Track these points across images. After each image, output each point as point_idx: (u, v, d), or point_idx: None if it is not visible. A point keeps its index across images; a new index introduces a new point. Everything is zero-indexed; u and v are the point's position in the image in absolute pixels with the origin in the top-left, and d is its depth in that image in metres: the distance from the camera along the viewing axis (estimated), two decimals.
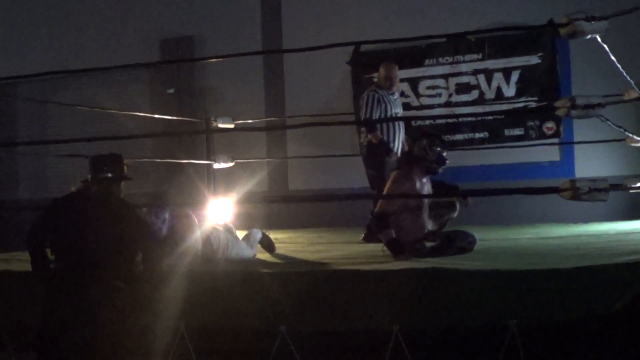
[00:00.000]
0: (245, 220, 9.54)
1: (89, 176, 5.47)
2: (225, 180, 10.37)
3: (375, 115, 8.31)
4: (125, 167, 5.65)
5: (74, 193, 5.59)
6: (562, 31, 4.60)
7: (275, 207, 11.66)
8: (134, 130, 11.26)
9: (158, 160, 11.31)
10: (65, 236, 5.25)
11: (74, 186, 5.74)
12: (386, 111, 8.40)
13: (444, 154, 6.44)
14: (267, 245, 7.45)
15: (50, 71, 7.17)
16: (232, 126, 9.72)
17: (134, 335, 5.22)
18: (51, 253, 5.30)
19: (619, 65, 6.14)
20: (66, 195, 5.62)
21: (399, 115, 8.61)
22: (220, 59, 11.69)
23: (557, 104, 4.55)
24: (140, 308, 5.32)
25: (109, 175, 5.45)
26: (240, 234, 7.39)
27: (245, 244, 6.97)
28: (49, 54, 12.96)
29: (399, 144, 8.46)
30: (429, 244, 6.30)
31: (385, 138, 8.37)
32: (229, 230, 7.04)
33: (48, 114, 13.40)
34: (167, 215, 6.27)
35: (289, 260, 6.56)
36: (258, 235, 7.35)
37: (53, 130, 13.13)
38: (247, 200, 10.44)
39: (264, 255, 7.07)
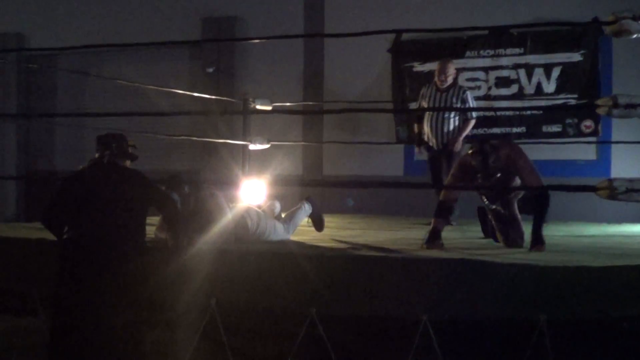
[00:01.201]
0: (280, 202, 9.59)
1: (97, 154, 5.63)
2: (260, 162, 10.41)
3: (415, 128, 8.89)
4: (129, 148, 5.81)
5: (83, 170, 5.70)
6: (608, 29, 4.58)
7: (309, 190, 11.69)
8: (172, 108, 11.33)
9: (194, 138, 11.38)
10: (78, 211, 5.42)
11: (82, 165, 5.85)
12: (419, 105, 8.85)
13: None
14: (318, 221, 7.41)
15: (91, 44, 7.28)
16: (269, 108, 9.74)
17: (143, 305, 5.34)
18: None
19: None
20: (75, 172, 5.73)
21: (433, 115, 8.81)
22: (261, 40, 11.73)
23: (599, 102, 4.53)
24: (169, 279, 5.39)
25: (117, 152, 5.61)
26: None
27: (282, 226, 6.97)
28: (91, 28, 13.05)
29: (432, 136, 8.79)
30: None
31: (417, 130, 8.89)
32: (263, 212, 7.02)
33: (87, 87, 13.52)
34: (186, 191, 6.29)
35: (321, 243, 6.57)
36: (302, 215, 7.27)
37: (91, 103, 13.25)
38: (281, 182, 10.47)
39: (298, 237, 7.09)
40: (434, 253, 5.78)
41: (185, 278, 5.42)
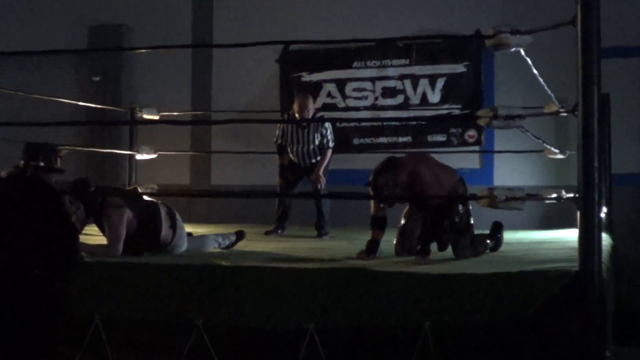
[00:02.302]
0: None
1: (22, 162, 5.47)
2: (147, 172, 10.33)
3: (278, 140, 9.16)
4: (59, 159, 5.65)
5: (5, 178, 5.54)
6: (488, 42, 4.72)
7: (196, 201, 11.64)
8: (57, 117, 11.13)
9: (79, 148, 11.21)
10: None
11: (5, 170, 5.70)
12: (279, 139, 9.15)
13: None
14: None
15: None
16: (157, 117, 9.70)
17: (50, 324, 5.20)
18: None
19: (541, 79, 6.31)
20: None
21: (298, 144, 9.04)
22: (149, 50, 11.64)
23: (480, 113, 4.65)
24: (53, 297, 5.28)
25: (43, 164, 5.45)
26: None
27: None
28: None
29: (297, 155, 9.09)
30: None
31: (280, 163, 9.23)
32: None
33: None
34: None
35: (209, 255, 6.57)
36: (213, 244, 7.22)
37: None
38: (168, 192, 10.40)
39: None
40: (331, 263, 5.85)
41: (68, 291, 5.33)
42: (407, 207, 6.81)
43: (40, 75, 12.29)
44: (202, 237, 7.27)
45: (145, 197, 6.79)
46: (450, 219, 6.47)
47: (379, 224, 6.52)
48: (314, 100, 10.97)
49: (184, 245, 6.73)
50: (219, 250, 7.13)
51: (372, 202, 6.64)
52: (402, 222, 6.74)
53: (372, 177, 6.43)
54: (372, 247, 6.40)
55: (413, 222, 6.65)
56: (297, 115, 8.90)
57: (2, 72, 12.28)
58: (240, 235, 7.39)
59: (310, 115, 8.92)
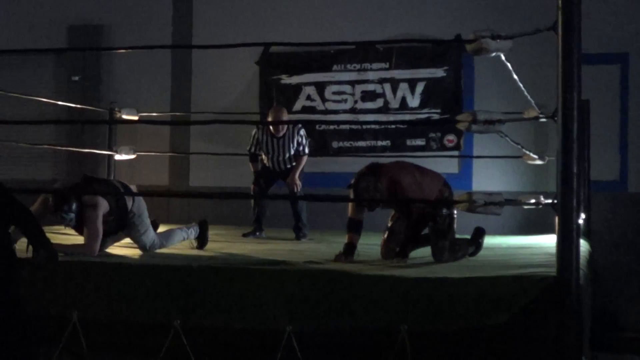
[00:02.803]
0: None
1: None
2: (126, 172, 10.29)
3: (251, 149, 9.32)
4: None
5: None
6: (468, 47, 4.72)
7: (175, 201, 11.62)
8: (36, 116, 11.09)
9: (58, 147, 11.16)
10: None
11: None
12: (253, 149, 9.30)
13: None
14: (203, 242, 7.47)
15: None
16: (136, 118, 9.67)
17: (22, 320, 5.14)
18: None
19: (521, 84, 6.33)
20: None
21: (273, 153, 9.13)
22: (128, 50, 11.61)
23: (459, 117, 4.66)
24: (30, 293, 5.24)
25: None
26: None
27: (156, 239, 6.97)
28: None
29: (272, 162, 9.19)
30: None
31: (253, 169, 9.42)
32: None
33: None
34: (74, 209, 6.21)
35: (186, 256, 6.55)
36: (182, 236, 7.31)
37: None
38: (147, 192, 10.36)
39: (160, 251, 7.04)
40: (306, 265, 5.85)
41: (45, 290, 5.31)
42: (394, 212, 6.83)
43: (19, 74, 12.23)
44: (170, 231, 7.26)
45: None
46: (433, 222, 6.49)
47: (355, 227, 6.54)
48: (293, 103, 11.02)
49: (145, 212, 6.78)
50: (190, 241, 7.28)
51: (350, 205, 6.65)
52: (389, 224, 6.76)
53: (354, 180, 6.46)
54: (349, 250, 6.41)
55: (400, 225, 6.68)
56: (271, 127, 8.94)
57: None
58: (203, 226, 7.47)
59: (284, 128, 8.98)
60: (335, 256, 6.39)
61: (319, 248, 7.64)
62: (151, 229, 6.90)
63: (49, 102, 9.79)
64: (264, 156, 9.17)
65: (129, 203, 6.60)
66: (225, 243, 8.08)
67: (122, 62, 12.12)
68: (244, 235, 9.03)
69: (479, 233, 7.03)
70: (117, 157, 9.92)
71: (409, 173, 6.64)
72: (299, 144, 9.01)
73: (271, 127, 8.98)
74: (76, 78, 12.13)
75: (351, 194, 6.51)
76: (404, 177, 6.53)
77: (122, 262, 5.81)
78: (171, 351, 5.02)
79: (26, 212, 5.35)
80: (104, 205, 6.34)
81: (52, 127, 12.17)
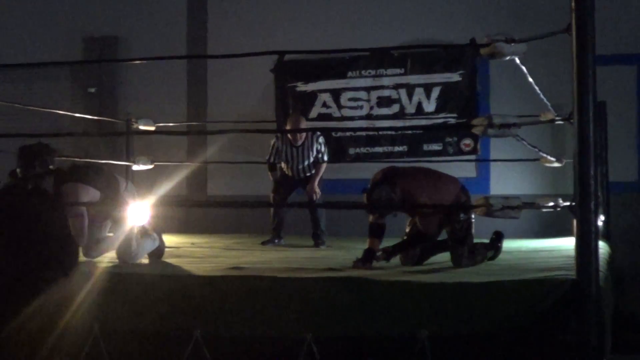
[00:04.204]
0: (164, 223, 9.49)
1: (18, 169, 5.38)
2: (144, 182, 10.32)
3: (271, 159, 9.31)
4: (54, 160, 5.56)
5: (5, 189, 5.48)
6: (483, 51, 4.71)
7: (193, 211, 11.64)
8: (53, 129, 11.13)
9: (76, 159, 11.18)
10: None
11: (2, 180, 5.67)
12: (272, 158, 9.29)
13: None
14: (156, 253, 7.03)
15: None
16: (152, 128, 9.69)
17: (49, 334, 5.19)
18: None
19: (537, 87, 6.31)
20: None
21: (293, 161, 9.17)
22: (144, 61, 11.64)
23: (475, 122, 4.65)
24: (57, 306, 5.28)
25: (39, 170, 5.36)
26: None
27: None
28: None
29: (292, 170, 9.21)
30: None
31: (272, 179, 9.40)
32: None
33: None
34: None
35: (206, 264, 6.55)
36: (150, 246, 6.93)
37: None
38: (165, 203, 10.39)
39: (181, 258, 7.05)
40: (323, 272, 5.83)
41: (68, 302, 5.33)
42: (410, 217, 6.81)
43: (36, 87, 12.29)
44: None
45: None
46: (451, 228, 6.48)
47: (376, 232, 6.50)
48: (309, 111, 11.02)
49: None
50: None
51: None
52: (407, 230, 6.73)
53: (369, 186, 6.45)
54: (369, 256, 6.38)
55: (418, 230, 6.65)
56: (289, 136, 8.95)
57: None
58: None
59: (302, 137, 8.99)
60: (354, 262, 6.37)
61: (338, 255, 7.63)
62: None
63: (66, 114, 9.83)
64: (283, 164, 9.17)
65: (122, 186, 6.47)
66: (244, 251, 8.09)
67: (138, 73, 12.16)
68: (263, 243, 9.03)
69: (498, 237, 7.01)
70: (135, 167, 9.94)
71: (425, 178, 6.62)
72: (318, 151, 9.02)
73: (289, 136, 8.99)
74: (92, 90, 12.19)
75: (365, 199, 6.49)
76: (419, 182, 6.51)
77: (141, 272, 5.81)
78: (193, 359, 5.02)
79: (67, 230, 5.43)
80: (89, 196, 6.09)
81: (69, 139, 12.20)
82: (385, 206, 6.39)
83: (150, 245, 6.80)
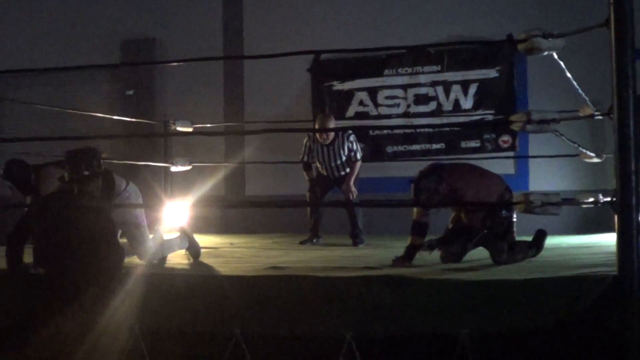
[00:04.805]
0: (202, 224, 9.56)
1: (65, 174, 5.44)
2: (182, 184, 10.35)
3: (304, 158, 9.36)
4: (101, 162, 5.61)
5: (55, 194, 5.54)
6: (520, 47, 4.69)
7: (232, 211, 11.67)
8: (91, 131, 11.21)
9: (115, 161, 11.26)
10: (46, 239, 5.22)
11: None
12: (306, 157, 9.35)
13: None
14: (194, 253, 7.04)
15: (9, 69, 7.19)
16: (190, 129, 9.72)
17: (90, 334, 5.23)
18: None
19: (575, 82, 6.26)
20: (48, 195, 5.58)
21: (325, 160, 9.18)
22: (180, 62, 11.69)
23: (513, 118, 4.62)
24: (97, 307, 5.32)
25: (86, 173, 5.41)
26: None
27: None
28: (8, 53, 12.84)
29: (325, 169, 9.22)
30: None
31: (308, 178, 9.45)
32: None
33: (4, 113, 13.27)
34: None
35: (243, 263, 6.57)
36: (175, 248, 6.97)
37: (9, 129, 13.00)
38: (204, 204, 10.43)
39: (217, 260, 7.07)
40: (361, 271, 5.82)
41: (109, 302, 5.36)
42: (454, 213, 6.76)
43: (74, 90, 12.39)
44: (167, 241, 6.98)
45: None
46: (492, 224, 6.43)
47: (419, 230, 6.47)
48: (346, 109, 11.02)
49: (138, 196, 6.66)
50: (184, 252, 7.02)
51: (414, 208, 6.61)
52: (449, 226, 6.69)
53: (416, 179, 6.44)
54: (410, 253, 6.36)
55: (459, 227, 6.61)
56: (318, 136, 8.95)
57: (37, 88, 12.42)
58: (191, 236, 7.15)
59: (330, 135, 8.99)
60: (393, 260, 6.34)
61: (376, 254, 7.62)
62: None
63: (104, 116, 9.90)
64: (318, 164, 9.18)
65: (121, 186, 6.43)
66: (282, 251, 8.10)
67: (174, 75, 12.22)
68: (301, 242, 9.04)
69: (541, 236, 6.93)
70: (173, 168, 9.97)
71: (472, 175, 6.59)
72: (350, 149, 9.00)
73: (317, 135, 8.99)
74: (130, 92, 12.27)
75: (412, 191, 6.46)
76: (466, 178, 6.48)
77: (182, 273, 5.84)
78: (232, 359, 5.04)
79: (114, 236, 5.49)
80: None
81: (108, 141, 12.29)
82: (430, 201, 6.35)
83: (175, 246, 6.83)
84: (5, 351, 5.20)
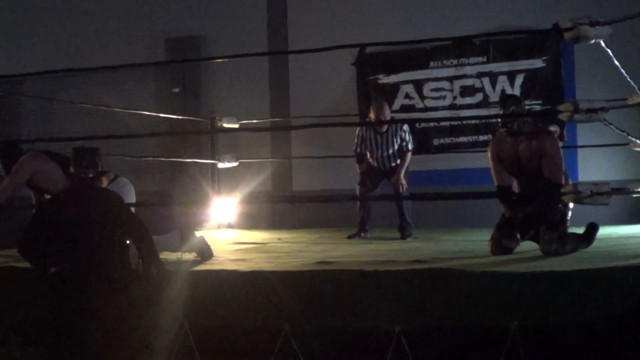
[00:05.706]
0: (251, 220, 9.59)
1: (72, 169, 5.50)
2: (229, 180, 10.41)
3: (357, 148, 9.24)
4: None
5: (63, 193, 5.60)
6: (567, 35, 4.65)
7: (279, 207, 11.70)
8: (139, 129, 11.30)
9: (162, 159, 11.35)
10: (60, 238, 5.26)
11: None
12: (359, 148, 9.21)
13: None
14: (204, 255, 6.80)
15: (56, 69, 7.26)
16: (236, 126, 9.78)
17: (138, 332, 5.26)
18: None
19: (623, 70, 6.18)
20: (54, 196, 5.64)
21: (377, 149, 9.07)
22: (226, 59, 11.73)
23: (560, 107, 4.59)
24: (143, 305, 5.36)
25: (90, 172, 5.47)
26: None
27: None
28: (55, 53, 12.98)
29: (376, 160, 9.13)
30: None
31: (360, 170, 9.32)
32: None
33: (53, 112, 13.42)
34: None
35: (291, 259, 6.58)
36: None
37: (57, 128, 13.14)
38: (251, 200, 10.47)
39: (266, 253, 7.09)
40: (405, 264, 5.80)
41: (158, 300, 5.40)
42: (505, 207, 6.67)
43: (121, 88, 12.49)
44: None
45: None
46: (545, 214, 6.36)
47: (506, 196, 6.47)
48: (392, 102, 10.97)
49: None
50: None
51: (493, 172, 6.58)
52: (501, 220, 6.61)
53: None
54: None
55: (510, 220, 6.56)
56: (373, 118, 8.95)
57: (84, 87, 12.54)
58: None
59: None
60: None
61: (425, 247, 7.60)
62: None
63: (150, 114, 9.98)
64: (369, 155, 9.14)
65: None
66: (331, 245, 8.10)
67: (220, 72, 12.26)
68: (350, 237, 9.02)
69: (592, 229, 6.83)
70: (220, 165, 10.04)
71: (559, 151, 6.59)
72: (402, 139, 8.95)
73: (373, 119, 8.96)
74: (176, 90, 12.34)
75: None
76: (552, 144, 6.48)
77: (230, 269, 5.86)
78: (281, 355, 5.05)
79: (144, 229, 5.48)
80: (31, 165, 6.52)
81: (155, 138, 12.38)
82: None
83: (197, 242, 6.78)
84: (34, 346, 5.27)
